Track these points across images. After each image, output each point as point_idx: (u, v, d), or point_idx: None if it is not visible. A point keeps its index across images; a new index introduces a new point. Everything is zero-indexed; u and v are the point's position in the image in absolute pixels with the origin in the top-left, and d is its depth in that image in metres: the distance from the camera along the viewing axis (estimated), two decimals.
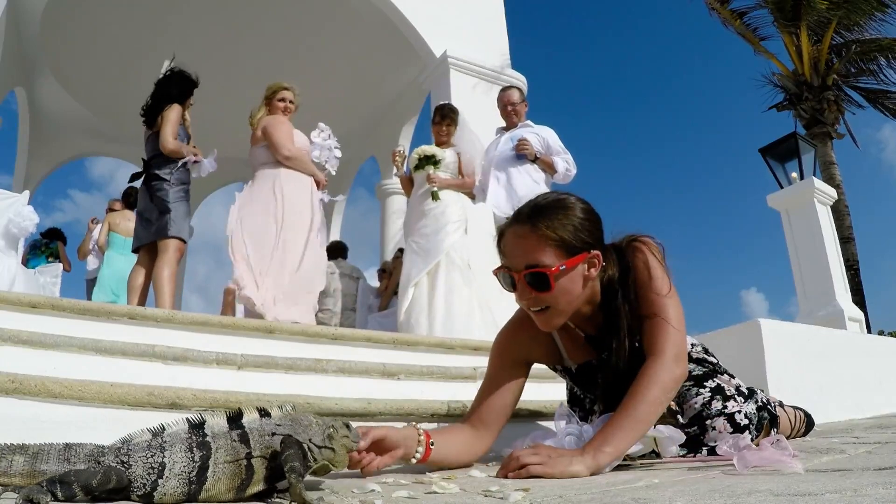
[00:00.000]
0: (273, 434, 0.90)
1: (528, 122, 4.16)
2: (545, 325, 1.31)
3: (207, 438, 0.86)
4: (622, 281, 1.31)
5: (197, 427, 0.87)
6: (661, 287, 1.28)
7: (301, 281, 3.56)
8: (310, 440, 0.93)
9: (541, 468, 1.06)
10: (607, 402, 1.32)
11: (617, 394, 1.24)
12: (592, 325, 1.38)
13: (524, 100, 4.21)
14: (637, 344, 1.30)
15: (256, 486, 0.88)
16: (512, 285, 1.28)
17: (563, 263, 1.23)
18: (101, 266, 5.50)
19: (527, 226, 1.26)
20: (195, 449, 0.85)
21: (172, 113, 3.59)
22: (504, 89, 4.35)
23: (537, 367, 1.59)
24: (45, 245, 6.28)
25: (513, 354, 1.44)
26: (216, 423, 0.89)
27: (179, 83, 3.74)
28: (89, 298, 5.68)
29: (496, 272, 1.31)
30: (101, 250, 5.62)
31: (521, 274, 1.25)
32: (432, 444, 1.23)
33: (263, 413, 0.93)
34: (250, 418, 0.91)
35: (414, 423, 1.34)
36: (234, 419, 0.90)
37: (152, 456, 0.83)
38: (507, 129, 4.18)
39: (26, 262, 5.96)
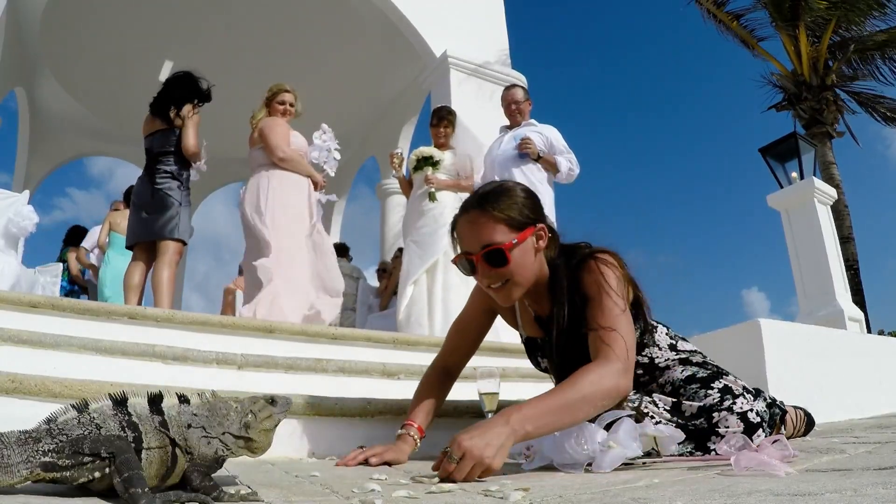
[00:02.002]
0: (189, 426, 0.88)
1: (532, 120, 4.14)
2: (505, 299, 1.40)
3: (133, 419, 0.83)
4: (570, 288, 1.38)
5: (120, 404, 0.84)
6: (612, 306, 1.31)
7: (302, 282, 3.55)
8: (225, 433, 0.91)
9: (468, 441, 1.05)
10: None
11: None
12: (541, 307, 1.48)
13: (528, 98, 4.20)
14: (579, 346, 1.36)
15: (175, 479, 0.86)
16: (471, 269, 1.38)
17: (514, 237, 1.34)
18: (102, 266, 5.50)
19: (477, 211, 1.37)
20: (126, 429, 0.82)
21: (196, 115, 3.65)
22: (508, 88, 4.34)
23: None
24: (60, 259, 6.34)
25: (486, 302, 1.58)
26: (138, 402, 0.86)
27: (196, 87, 3.75)
28: (88, 298, 5.69)
29: (455, 261, 1.43)
30: (101, 250, 5.63)
31: (479, 255, 1.35)
32: (423, 437, 1.47)
33: (183, 399, 0.90)
34: (170, 403, 0.88)
35: (408, 430, 1.46)
36: (155, 402, 0.87)
37: (90, 434, 0.79)
38: (510, 127, 4.17)
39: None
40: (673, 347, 1.51)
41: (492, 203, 1.36)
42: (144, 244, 3.59)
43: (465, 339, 1.64)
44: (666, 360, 1.48)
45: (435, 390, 1.59)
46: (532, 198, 1.42)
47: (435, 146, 4.13)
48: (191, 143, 3.56)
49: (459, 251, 1.41)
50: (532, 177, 3.85)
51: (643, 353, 1.46)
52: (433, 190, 3.92)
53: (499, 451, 1.06)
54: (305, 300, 3.49)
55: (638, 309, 1.44)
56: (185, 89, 3.70)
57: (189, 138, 3.57)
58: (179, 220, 3.51)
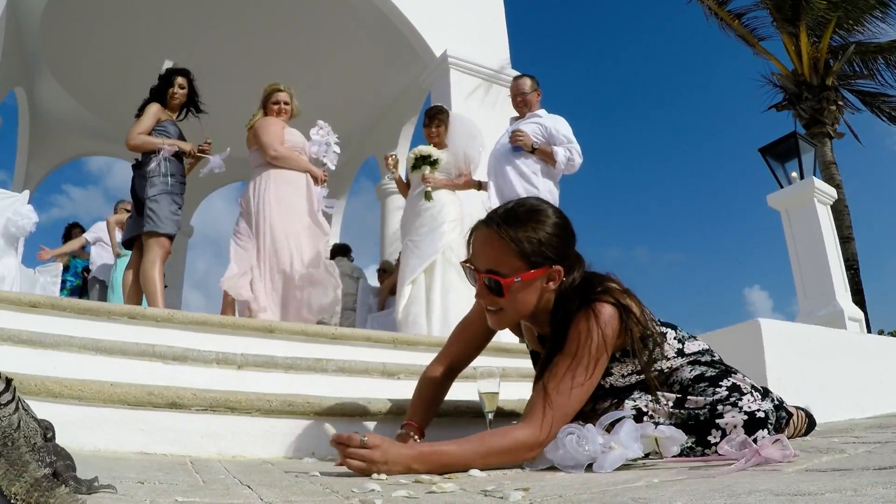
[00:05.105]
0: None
1: (539, 112, 4.04)
2: (494, 324, 1.40)
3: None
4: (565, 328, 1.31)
5: None
6: (572, 374, 1.26)
7: (299, 280, 3.55)
8: None
9: (391, 456, 1.14)
10: None
11: None
12: (543, 328, 1.44)
13: (536, 89, 4.10)
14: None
15: None
16: (474, 281, 1.36)
17: (519, 276, 1.29)
18: (114, 268, 5.49)
19: (495, 231, 1.31)
20: None
21: (146, 110, 3.64)
22: (516, 78, 4.23)
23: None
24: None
25: None
26: None
27: (159, 81, 3.78)
28: (91, 297, 5.69)
29: (463, 264, 1.39)
30: (115, 254, 5.61)
31: (481, 275, 1.32)
32: (422, 438, 1.45)
33: None
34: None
35: (407, 431, 1.45)
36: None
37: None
38: (519, 118, 4.14)
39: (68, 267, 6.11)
40: (680, 352, 1.48)
41: (513, 227, 1.29)
42: (137, 245, 3.59)
43: (468, 342, 1.62)
44: (673, 368, 1.47)
45: (435, 390, 1.58)
46: (561, 235, 1.33)
47: (432, 146, 4.13)
48: (128, 137, 3.57)
49: (467, 257, 1.39)
50: (526, 169, 3.80)
51: (651, 369, 1.44)
52: (429, 189, 3.92)
53: (384, 472, 1.13)
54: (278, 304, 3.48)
55: (643, 342, 1.38)
56: (152, 89, 3.76)
57: (128, 135, 3.57)
58: (153, 212, 3.46)
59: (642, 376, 1.42)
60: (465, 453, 1.18)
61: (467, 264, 1.37)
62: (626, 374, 1.43)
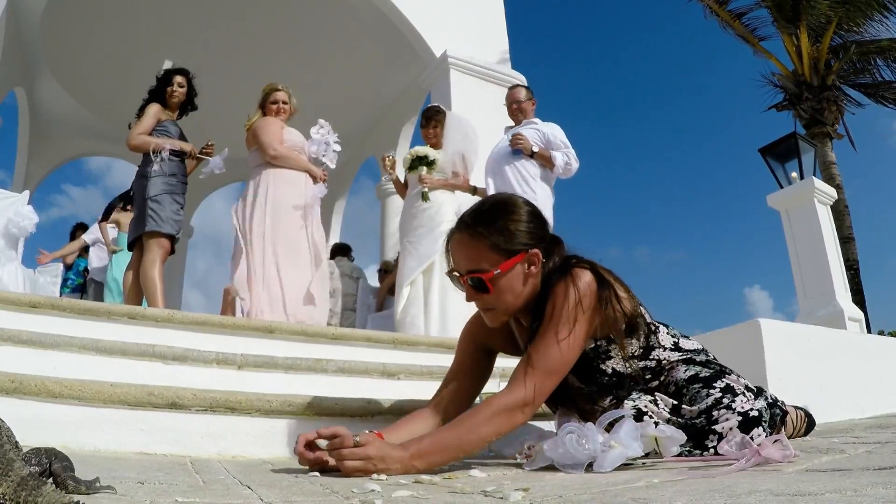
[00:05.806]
0: None
1: (535, 119, 4.11)
2: (491, 321, 1.41)
3: None
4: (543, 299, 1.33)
5: None
6: (552, 336, 1.27)
7: (299, 281, 3.55)
8: None
9: (385, 454, 1.13)
10: (555, 399, 1.39)
11: (562, 392, 1.33)
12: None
13: (531, 98, 4.18)
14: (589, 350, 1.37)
15: None
16: (461, 286, 1.38)
17: (498, 267, 1.31)
18: (109, 267, 5.49)
19: (465, 232, 1.35)
20: None
21: (146, 111, 3.65)
22: (511, 87, 4.35)
23: None
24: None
25: (476, 341, 1.53)
26: None
27: (158, 82, 3.78)
28: (90, 297, 5.68)
29: (448, 273, 1.41)
30: (109, 250, 5.61)
31: (464, 278, 1.35)
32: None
33: None
34: None
35: (370, 430, 1.35)
36: None
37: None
38: (513, 127, 4.18)
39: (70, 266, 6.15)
40: (676, 346, 1.49)
41: (483, 224, 1.33)
42: (138, 244, 3.59)
43: (459, 385, 1.49)
44: (670, 362, 1.47)
45: (413, 417, 1.43)
46: (533, 220, 1.37)
47: (430, 147, 4.13)
48: (129, 137, 3.58)
49: (449, 266, 1.40)
50: (525, 173, 3.85)
51: (650, 357, 1.44)
52: (426, 190, 3.92)
53: (382, 472, 1.12)
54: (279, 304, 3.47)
55: (633, 322, 1.39)
56: (151, 91, 3.77)
57: (128, 135, 3.58)
58: (154, 211, 3.46)
59: (644, 362, 1.42)
60: (458, 431, 1.20)
61: (453, 272, 1.39)
62: (627, 356, 1.42)
